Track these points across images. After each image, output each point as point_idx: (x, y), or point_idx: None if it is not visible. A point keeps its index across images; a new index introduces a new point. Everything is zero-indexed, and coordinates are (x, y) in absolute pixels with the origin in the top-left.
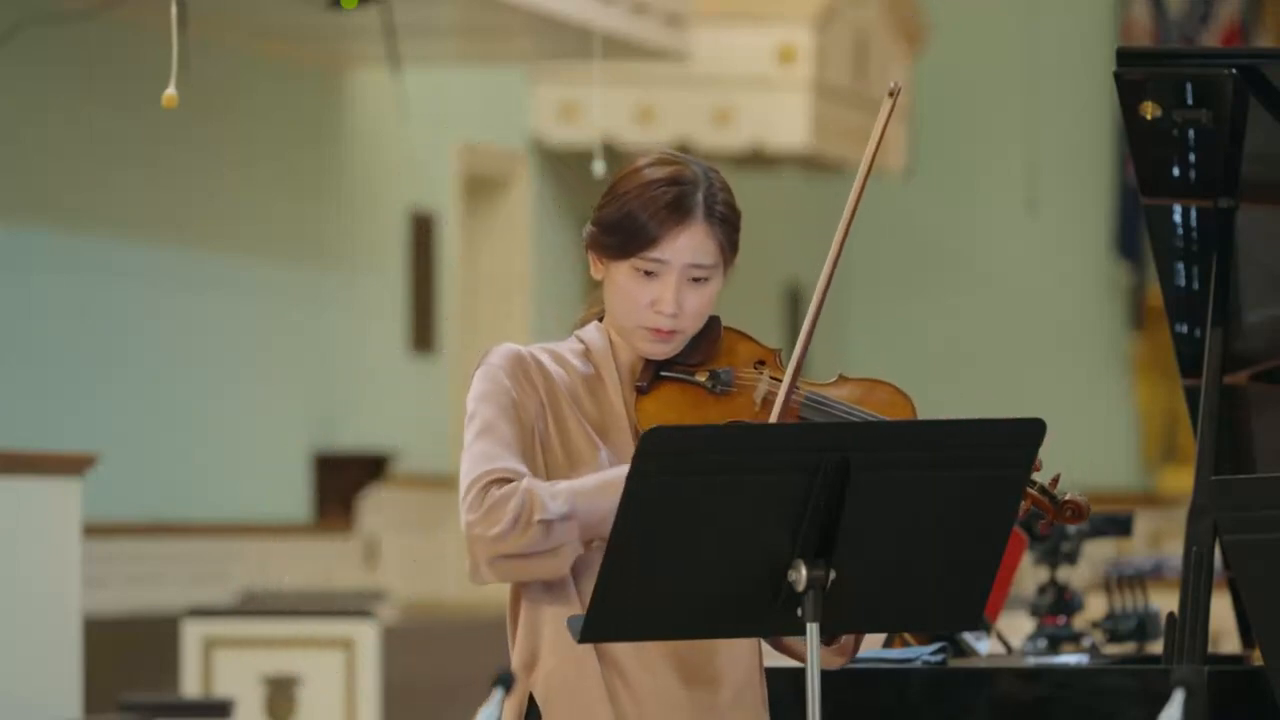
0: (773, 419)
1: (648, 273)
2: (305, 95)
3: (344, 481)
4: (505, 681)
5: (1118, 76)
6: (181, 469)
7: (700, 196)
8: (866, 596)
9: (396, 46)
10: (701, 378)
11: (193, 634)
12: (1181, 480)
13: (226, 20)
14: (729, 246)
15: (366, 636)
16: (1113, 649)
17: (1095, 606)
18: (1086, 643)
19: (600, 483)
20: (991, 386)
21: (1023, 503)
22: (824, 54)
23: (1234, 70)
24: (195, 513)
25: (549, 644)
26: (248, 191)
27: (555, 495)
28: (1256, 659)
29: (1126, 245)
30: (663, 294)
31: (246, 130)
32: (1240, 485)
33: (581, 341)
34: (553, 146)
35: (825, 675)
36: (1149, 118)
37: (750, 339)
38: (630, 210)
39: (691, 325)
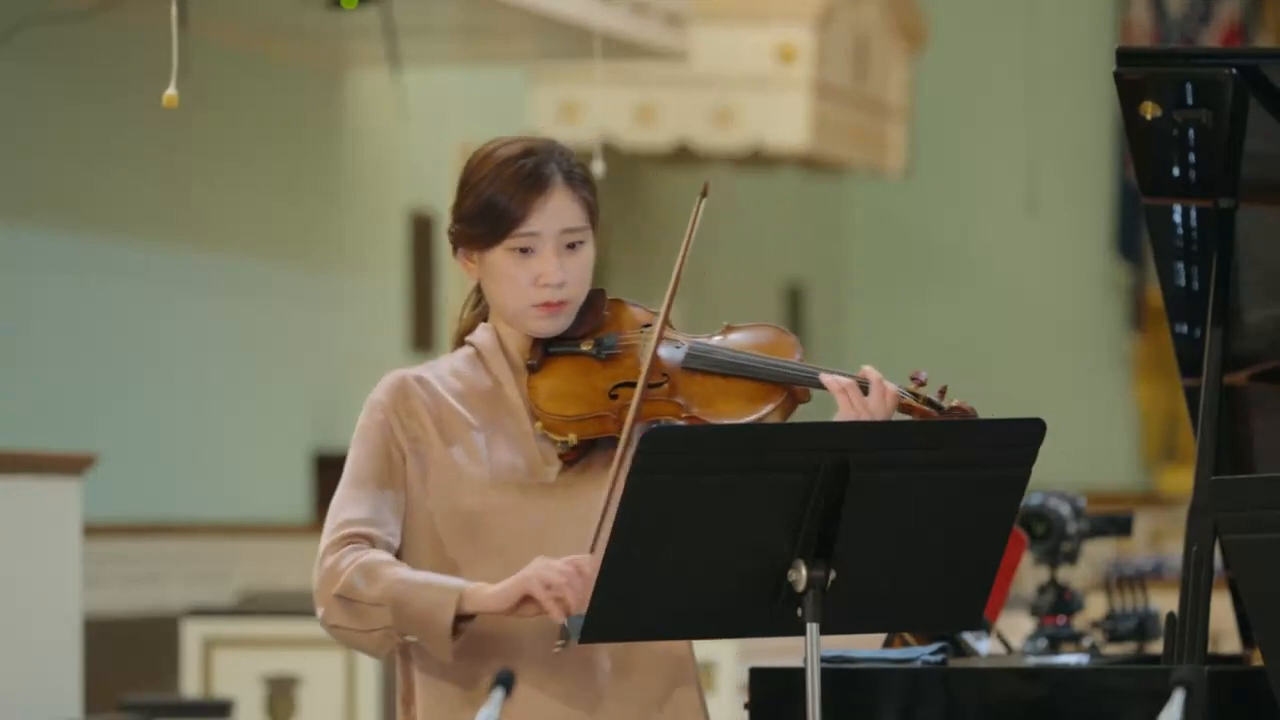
0: (642, 374)
1: (524, 250)
2: (305, 95)
3: None
4: (505, 682)
5: (1118, 76)
6: (181, 469)
7: (554, 163)
8: (866, 596)
9: (396, 46)
10: (587, 347)
11: (193, 634)
12: (1181, 480)
13: (226, 20)
14: (593, 208)
15: None
16: (1113, 649)
17: (1095, 606)
18: (1086, 643)
19: (425, 582)
20: (991, 386)
21: (908, 416)
22: (824, 54)
23: (1234, 70)
24: (195, 513)
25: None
26: (248, 191)
27: (376, 580)
28: (1256, 659)
29: (1126, 245)
30: (544, 266)
31: (246, 130)
32: (1240, 485)
33: (472, 345)
34: None
35: (825, 675)
36: (1149, 118)
37: (636, 305)
38: (490, 194)
39: (578, 293)
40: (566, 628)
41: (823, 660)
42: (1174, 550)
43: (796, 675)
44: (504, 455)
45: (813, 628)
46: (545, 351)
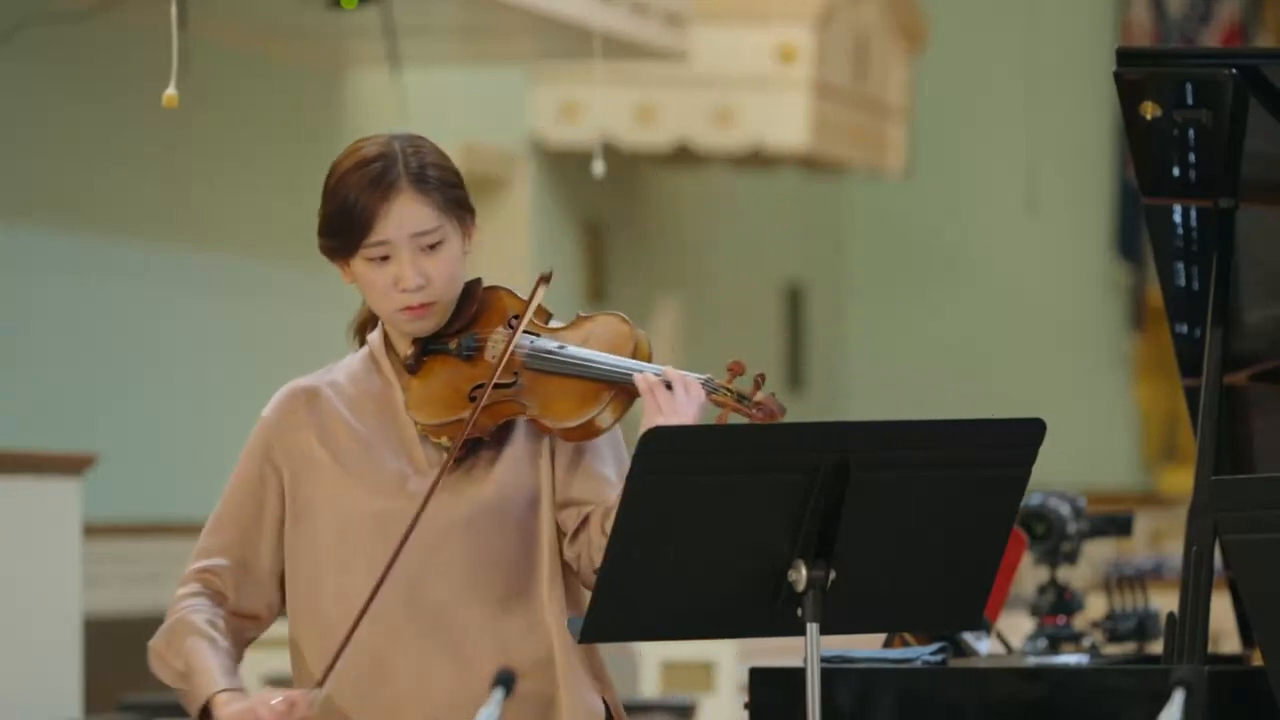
0: (490, 378)
1: (381, 258)
2: (305, 95)
3: None
4: (505, 681)
5: (1118, 76)
6: (181, 469)
7: (400, 166)
8: (866, 596)
9: (396, 46)
10: (453, 345)
11: None
12: (1181, 480)
13: (226, 20)
14: (451, 204)
15: None
16: (1113, 649)
17: (1095, 606)
18: (1086, 643)
19: (201, 668)
20: (991, 386)
21: (720, 410)
22: (824, 54)
23: (1234, 70)
24: (195, 513)
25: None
26: (248, 191)
27: (181, 646)
28: (1256, 659)
29: (1126, 245)
30: (400, 271)
31: (246, 130)
32: (1240, 485)
33: (368, 344)
34: (553, 146)
35: (825, 675)
36: (1149, 118)
37: (512, 294)
38: (337, 206)
39: (445, 292)
40: (568, 626)
41: (823, 660)
42: (1174, 550)
43: (796, 675)
44: (390, 462)
45: (813, 628)
46: (423, 350)
